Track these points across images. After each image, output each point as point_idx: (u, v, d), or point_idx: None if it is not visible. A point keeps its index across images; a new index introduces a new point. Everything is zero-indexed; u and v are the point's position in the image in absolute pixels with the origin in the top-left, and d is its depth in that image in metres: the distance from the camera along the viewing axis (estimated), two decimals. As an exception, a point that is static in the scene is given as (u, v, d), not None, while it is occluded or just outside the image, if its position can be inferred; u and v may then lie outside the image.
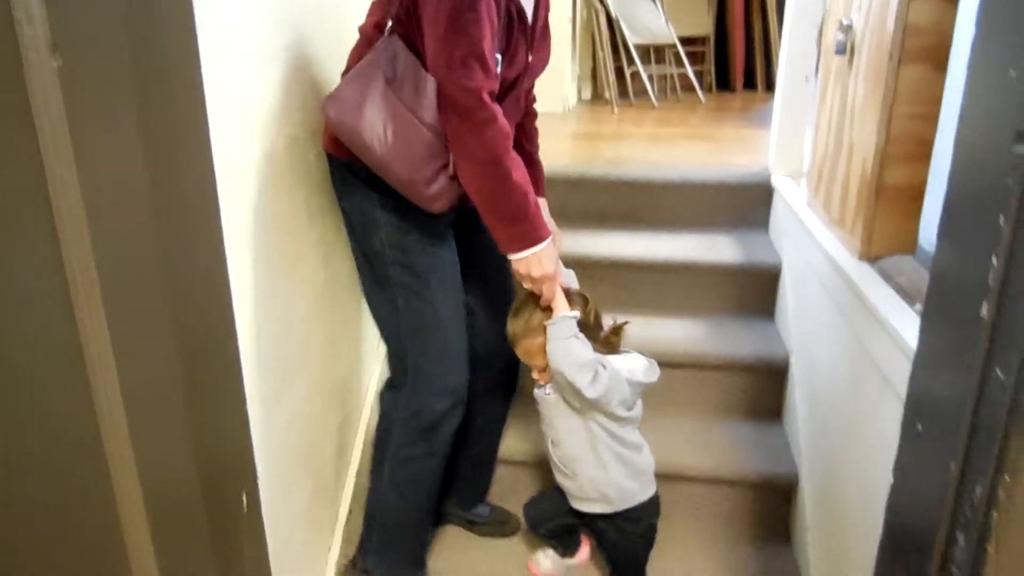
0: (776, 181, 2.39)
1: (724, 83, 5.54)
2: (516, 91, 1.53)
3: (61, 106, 0.50)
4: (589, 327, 1.56)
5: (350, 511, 1.88)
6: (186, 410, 0.70)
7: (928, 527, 0.69)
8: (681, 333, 2.17)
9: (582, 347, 1.50)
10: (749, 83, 5.50)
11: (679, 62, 4.85)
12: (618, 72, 4.54)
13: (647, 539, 1.71)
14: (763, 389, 2.11)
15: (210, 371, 0.76)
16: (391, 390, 1.71)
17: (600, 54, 4.56)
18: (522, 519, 1.90)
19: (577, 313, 1.53)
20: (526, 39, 1.48)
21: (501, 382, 1.84)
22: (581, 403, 1.53)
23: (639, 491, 1.64)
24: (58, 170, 0.51)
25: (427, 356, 1.59)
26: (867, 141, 1.45)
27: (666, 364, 2.07)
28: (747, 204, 2.51)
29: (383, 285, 1.58)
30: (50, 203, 0.51)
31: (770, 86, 5.15)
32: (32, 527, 0.51)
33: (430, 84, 1.39)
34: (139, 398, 0.60)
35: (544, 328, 1.53)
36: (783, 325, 2.17)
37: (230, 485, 0.83)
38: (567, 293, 1.57)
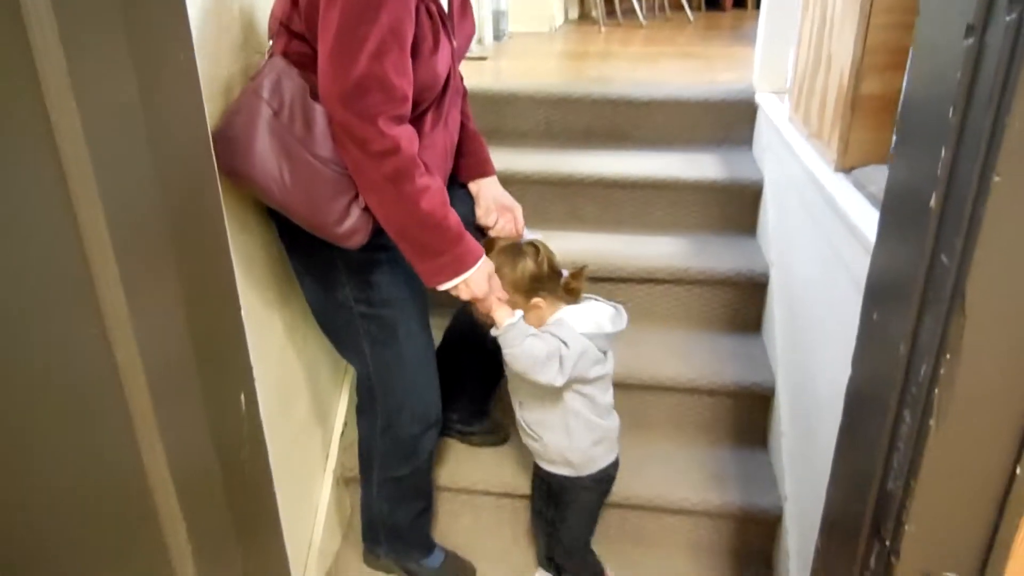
0: (760, 98, 2.39)
1: (714, 1, 5.44)
2: (453, 81, 1.43)
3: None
4: (544, 278, 1.49)
5: (345, 423, 1.95)
6: (185, 309, 0.74)
7: (880, 408, 0.75)
8: (664, 249, 2.21)
9: (536, 343, 1.43)
10: (739, 1, 5.40)
11: (667, -21, 4.76)
12: (605, -11, 4.46)
13: (603, 496, 1.70)
14: (743, 303, 2.17)
15: (202, 272, 0.79)
16: (362, 415, 1.66)
17: (586, -29, 4.46)
18: (511, 430, 1.96)
19: (519, 314, 1.44)
20: (447, 29, 1.35)
21: None
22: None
23: (602, 455, 1.62)
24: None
25: (396, 395, 1.57)
26: (845, 52, 1.46)
27: (649, 280, 2.14)
28: (731, 121, 2.52)
29: (348, 332, 1.52)
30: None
31: (760, 3, 5.07)
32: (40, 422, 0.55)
33: (319, 114, 1.26)
34: (138, 291, 0.64)
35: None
36: (764, 240, 2.21)
37: (228, 386, 0.87)
38: (515, 245, 1.52)
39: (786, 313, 1.93)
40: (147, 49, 0.63)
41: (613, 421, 1.63)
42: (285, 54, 1.31)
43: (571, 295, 1.53)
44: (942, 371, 0.65)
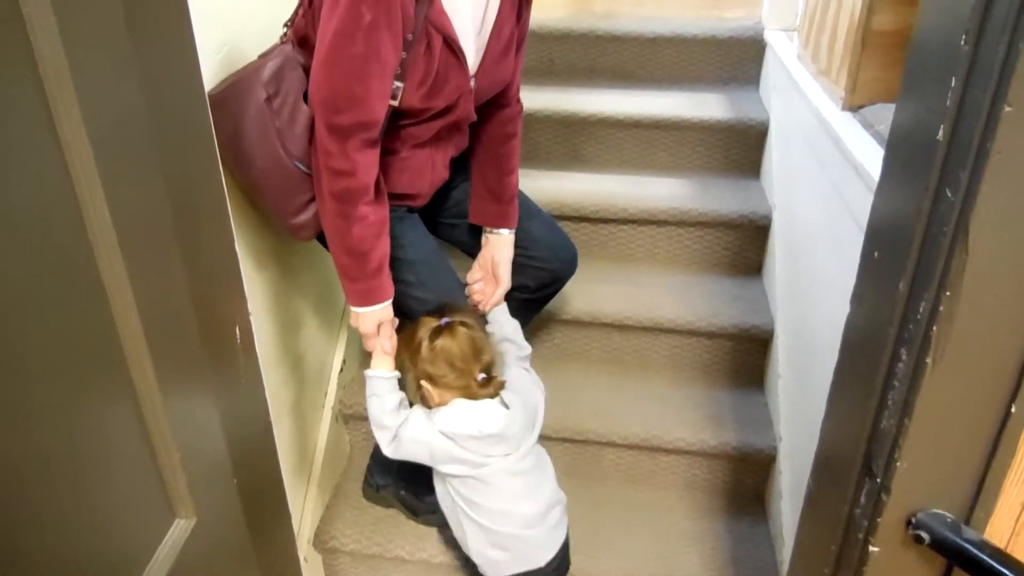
0: (769, 35, 2.34)
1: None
2: (452, 117, 1.40)
3: None
4: (446, 370, 1.39)
5: (344, 361, 1.96)
6: (178, 245, 0.73)
7: (877, 346, 0.74)
8: (666, 191, 2.19)
9: (374, 405, 1.43)
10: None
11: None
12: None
13: None
14: (745, 245, 2.15)
15: (196, 206, 0.78)
16: None
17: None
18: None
19: (384, 372, 1.44)
20: (460, 64, 1.32)
21: (533, 300, 1.74)
22: None
23: (510, 563, 1.46)
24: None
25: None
26: (858, -15, 1.42)
27: (650, 222, 2.13)
28: (739, 60, 2.46)
29: None
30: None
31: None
32: (34, 353, 0.55)
33: (304, 113, 1.30)
34: (130, 231, 0.63)
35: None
36: (768, 182, 2.19)
37: (224, 319, 0.87)
38: (451, 324, 1.40)
39: (787, 256, 1.92)
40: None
41: (518, 529, 1.44)
42: (295, 46, 1.34)
43: (470, 395, 1.41)
44: (941, 308, 0.65)
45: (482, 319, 1.54)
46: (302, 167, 1.32)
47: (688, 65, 2.48)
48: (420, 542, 1.77)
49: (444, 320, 1.39)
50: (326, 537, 1.79)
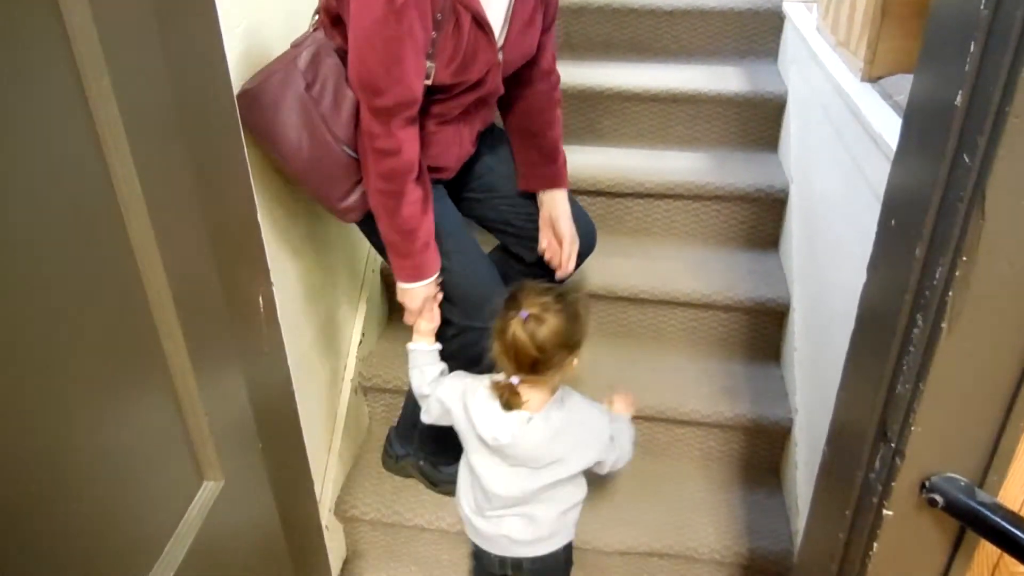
0: (787, 7, 2.31)
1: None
2: (481, 91, 1.40)
3: None
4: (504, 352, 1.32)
5: (363, 334, 1.98)
6: (203, 218, 0.74)
7: (893, 312, 0.75)
8: (683, 164, 2.18)
9: (414, 376, 1.49)
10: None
11: None
12: None
13: None
14: (762, 219, 2.15)
15: (220, 180, 0.80)
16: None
17: None
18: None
19: (424, 346, 1.48)
20: (488, 39, 1.33)
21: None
22: None
23: (484, 541, 1.48)
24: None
25: (464, 309, 1.52)
26: (878, -46, 1.40)
27: (667, 195, 2.13)
28: (757, 32, 2.44)
29: None
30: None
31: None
32: (65, 318, 0.57)
33: (348, 99, 1.31)
34: (159, 202, 0.65)
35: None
36: (785, 156, 2.17)
37: (247, 288, 0.89)
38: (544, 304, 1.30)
39: (804, 229, 1.92)
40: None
41: (491, 524, 1.44)
42: (327, 31, 1.34)
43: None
44: (957, 274, 0.65)
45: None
46: (349, 151, 1.35)
47: (705, 38, 2.46)
48: (439, 511, 1.80)
49: (524, 313, 1.28)
50: (346, 506, 1.82)
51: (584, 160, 2.18)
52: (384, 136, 1.27)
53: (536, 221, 1.62)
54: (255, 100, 1.30)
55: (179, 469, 0.74)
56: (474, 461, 1.42)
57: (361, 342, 1.98)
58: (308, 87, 1.30)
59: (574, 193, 2.14)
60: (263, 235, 0.92)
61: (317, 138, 1.32)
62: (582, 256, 1.68)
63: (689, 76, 2.31)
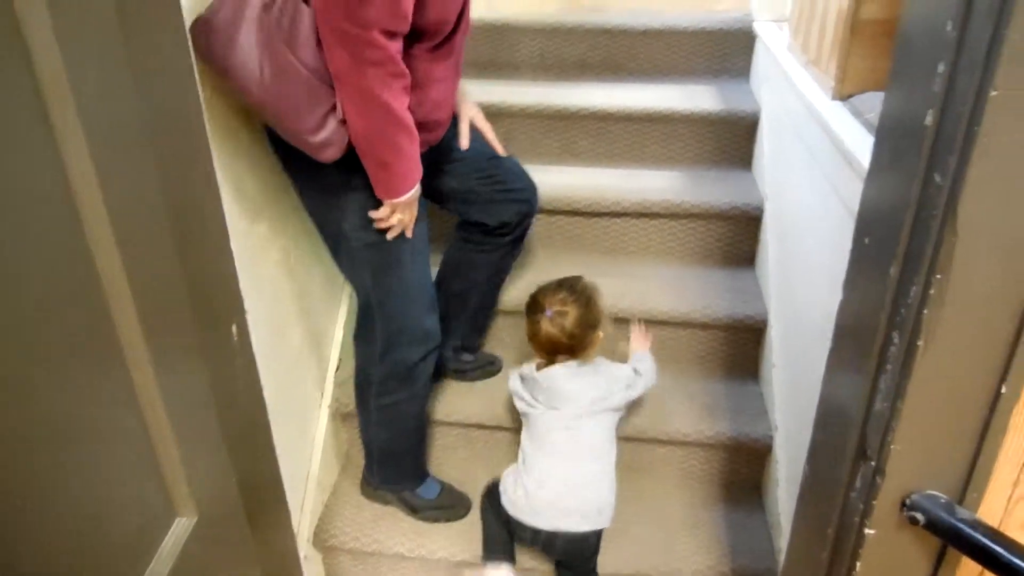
0: (759, 26, 2.34)
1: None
2: (464, 22, 1.40)
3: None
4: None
5: (340, 359, 1.96)
6: (174, 242, 0.73)
7: (869, 331, 0.75)
8: (659, 183, 2.19)
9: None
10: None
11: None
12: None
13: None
14: (738, 236, 2.16)
15: (191, 205, 0.79)
16: (361, 341, 1.66)
17: None
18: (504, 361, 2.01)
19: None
20: None
21: (514, 240, 1.83)
22: None
23: (513, 506, 1.62)
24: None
25: (396, 319, 1.57)
26: (846, -25, 1.42)
27: (644, 214, 2.14)
28: (729, 51, 2.46)
29: (351, 260, 1.53)
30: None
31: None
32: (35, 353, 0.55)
33: (306, 17, 1.23)
34: (127, 229, 0.63)
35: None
36: (759, 173, 2.19)
37: (220, 317, 0.87)
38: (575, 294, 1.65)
39: (780, 246, 1.93)
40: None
41: (533, 486, 1.59)
42: None
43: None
44: (932, 291, 0.65)
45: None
46: (317, 76, 1.26)
47: (678, 57, 2.48)
48: (419, 538, 1.78)
49: (549, 312, 1.58)
50: (325, 535, 1.79)
51: (561, 180, 2.19)
52: (371, 45, 1.20)
53: (493, 184, 1.70)
54: (209, 26, 1.21)
55: (151, 505, 0.72)
56: (536, 431, 1.62)
57: (338, 367, 1.95)
58: (266, 7, 1.22)
59: (551, 213, 2.15)
60: (236, 262, 0.90)
61: (280, 61, 1.23)
62: (531, 213, 1.81)
63: (663, 95, 2.33)
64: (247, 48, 1.22)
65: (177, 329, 0.75)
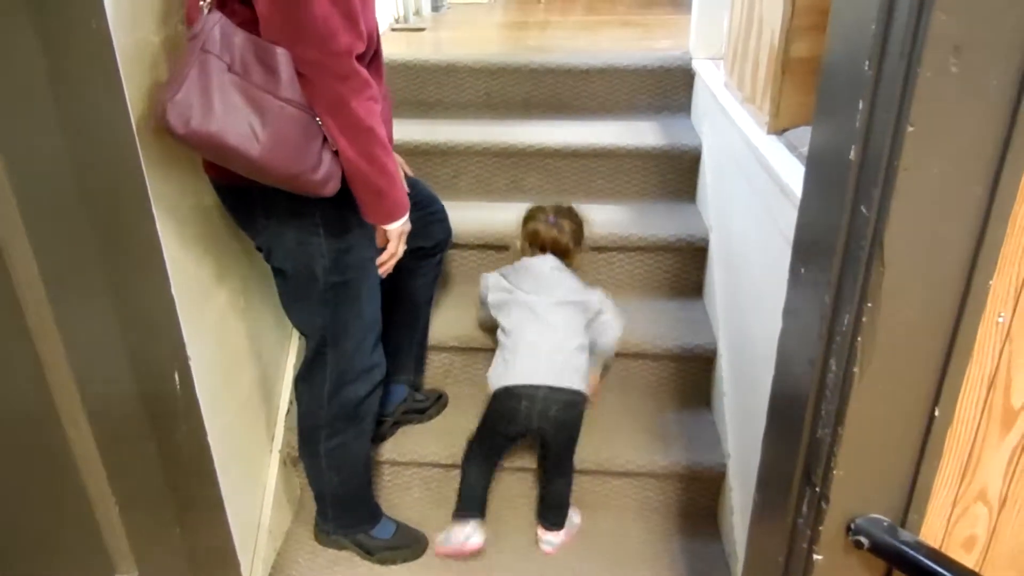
0: (697, 64, 2.41)
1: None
2: (379, 59, 1.41)
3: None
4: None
5: (291, 402, 1.93)
6: (109, 292, 0.71)
7: (808, 359, 0.77)
8: (605, 217, 2.22)
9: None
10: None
11: (604, -53, 4.73)
12: (542, -42, 4.41)
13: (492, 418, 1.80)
14: (685, 268, 2.20)
15: (128, 254, 0.77)
16: (307, 383, 1.63)
17: (523, -61, 4.41)
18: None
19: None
20: None
21: (440, 260, 1.94)
22: None
23: (510, 377, 1.74)
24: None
25: (347, 355, 1.57)
26: (775, 15, 1.48)
27: (592, 248, 2.16)
28: (669, 88, 2.53)
29: (311, 301, 1.51)
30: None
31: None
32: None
33: (282, 57, 1.20)
34: (58, 278, 0.62)
35: None
36: (703, 205, 2.24)
37: (160, 368, 0.85)
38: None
39: (726, 276, 1.97)
40: (54, 18, 0.60)
41: (519, 346, 1.77)
42: (221, 10, 1.23)
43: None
44: (864, 319, 0.67)
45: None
46: (307, 111, 1.25)
47: (621, 95, 2.54)
48: (376, 583, 1.74)
49: (551, 218, 1.88)
50: (278, 584, 1.75)
51: (509, 216, 2.19)
52: (354, 74, 1.24)
53: (421, 209, 1.70)
54: (181, 106, 1.16)
55: (87, 562, 0.69)
56: (519, 313, 1.79)
57: (289, 410, 1.92)
58: (229, 68, 1.19)
59: (501, 249, 2.16)
60: (178, 306, 0.89)
61: (268, 111, 1.21)
62: (450, 233, 1.92)
63: (608, 131, 2.37)
64: (231, 116, 1.18)
65: (114, 380, 0.73)
